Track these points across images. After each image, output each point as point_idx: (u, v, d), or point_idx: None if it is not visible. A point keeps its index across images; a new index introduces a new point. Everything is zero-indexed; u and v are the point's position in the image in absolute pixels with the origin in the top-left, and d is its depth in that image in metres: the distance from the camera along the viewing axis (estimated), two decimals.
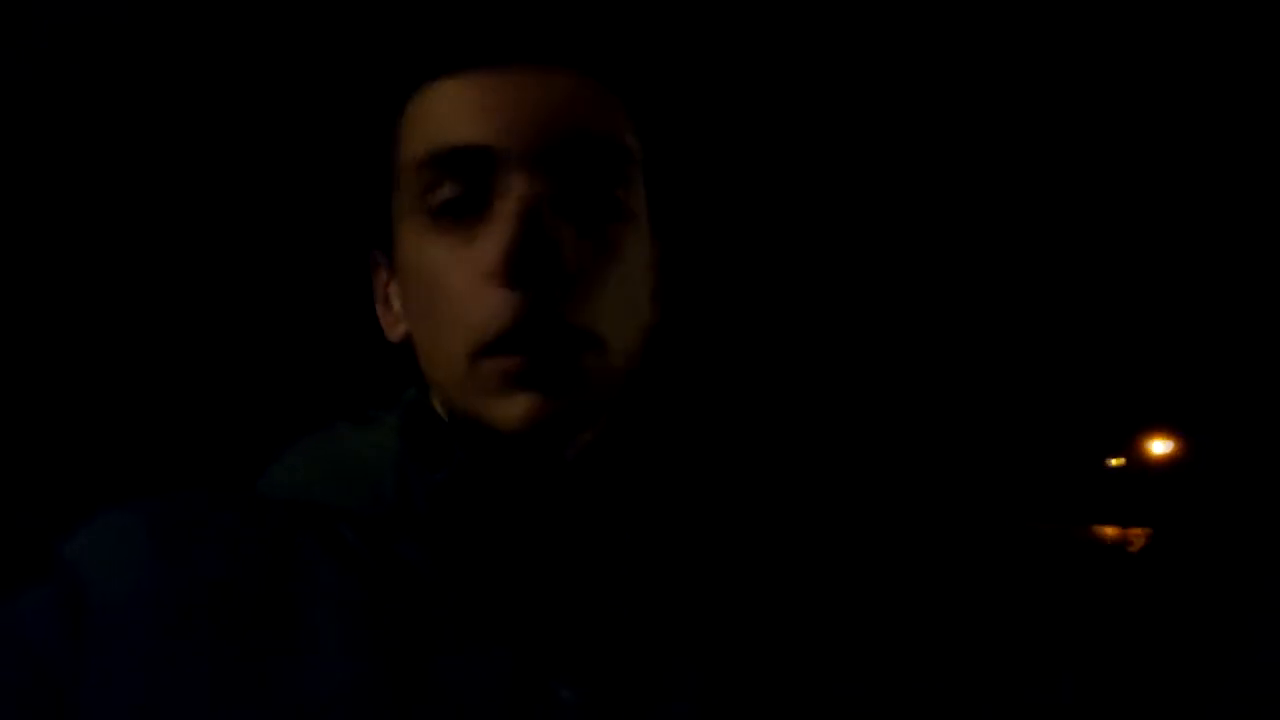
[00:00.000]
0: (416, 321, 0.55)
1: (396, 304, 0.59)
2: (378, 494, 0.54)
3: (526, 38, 0.53)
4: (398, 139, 0.55)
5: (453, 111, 0.51)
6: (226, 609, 0.48)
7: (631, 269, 0.54)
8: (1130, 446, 7.86)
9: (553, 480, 0.54)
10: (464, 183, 0.51)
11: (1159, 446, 7.94)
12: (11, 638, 0.48)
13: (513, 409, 0.51)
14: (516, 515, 0.53)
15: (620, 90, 0.55)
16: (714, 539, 0.57)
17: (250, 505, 0.54)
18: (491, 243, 0.50)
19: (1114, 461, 7.98)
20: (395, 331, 0.59)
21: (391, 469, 0.55)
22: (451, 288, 0.51)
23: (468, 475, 0.53)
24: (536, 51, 0.52)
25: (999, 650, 0.55)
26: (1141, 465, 7.98)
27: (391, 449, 0.56)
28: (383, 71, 0.56)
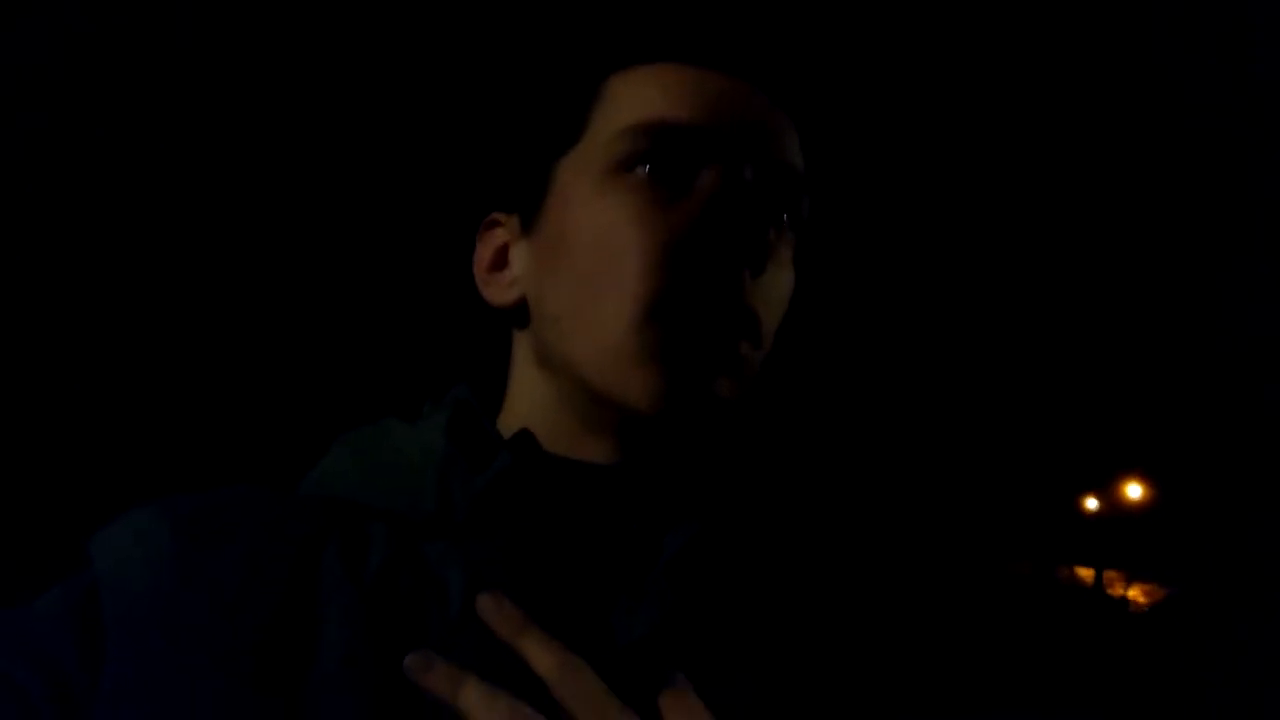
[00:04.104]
0: (562, 285, 0.54)
1: (517, 268, 0.58)
2: (417, 494, 0.53)
3: (756, 53, 0.57)
4: (592, 106, 0.56)
5: (686, 94, 0.54)
6: (239, 627, 0.47)
7: (788, 284, 0.57)
8: (1106, 490, 7.93)
9: (609, 501, 0.53)
10: (673, 158, 0.53)
11: (1134, 490, 8.00)
12: (27, 645, 0.46)
13: (660, 380, 0.51)
14: (558, 529, 0.52)
15: (803, 130, 0.58)
16: (748, 586, 0.54)
17: (283, 508, 0.52)
18: (698, 216, 0.52)
19: (1090, 504, 8.03)
20: (506, 295, 0.58)
21: (435, 469, 0.53)
22: (634, 250, 0.52)
23: (511, 482, 0.52)
24: (759, 70, 0.56)
25: (985, 681, 0.58)
26: (1117, 509, 8.04)
27: (438, 449, 0.54)
28: (590, 43, 0.58)
